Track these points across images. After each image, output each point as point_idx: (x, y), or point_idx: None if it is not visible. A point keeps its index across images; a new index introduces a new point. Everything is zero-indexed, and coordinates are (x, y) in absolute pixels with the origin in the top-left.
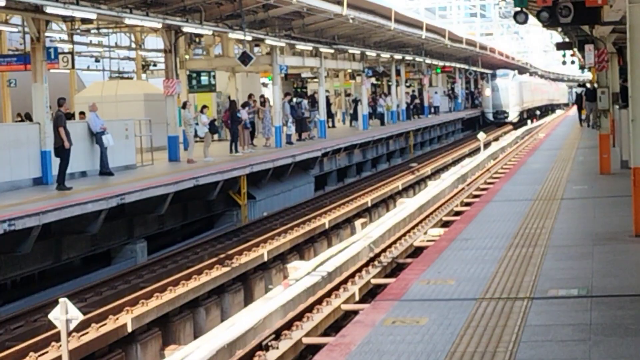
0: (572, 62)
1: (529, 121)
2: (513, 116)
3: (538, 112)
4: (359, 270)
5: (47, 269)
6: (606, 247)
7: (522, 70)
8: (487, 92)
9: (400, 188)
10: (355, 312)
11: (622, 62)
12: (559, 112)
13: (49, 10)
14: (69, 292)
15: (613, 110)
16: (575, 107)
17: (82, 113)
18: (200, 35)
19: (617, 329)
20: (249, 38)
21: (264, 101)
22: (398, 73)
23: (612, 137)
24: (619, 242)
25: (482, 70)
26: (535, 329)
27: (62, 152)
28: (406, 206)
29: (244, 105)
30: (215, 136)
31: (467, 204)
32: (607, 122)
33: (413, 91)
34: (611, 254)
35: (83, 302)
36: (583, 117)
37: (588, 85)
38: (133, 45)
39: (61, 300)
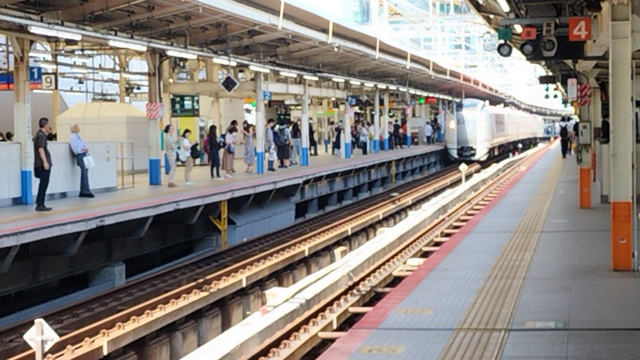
0: (555, 96)
1: (510, 154)
2: (481, 154)
3: (520, 146)
4: (338, 298)
5: (24, 289)
6: (584, 280)
7: (495, 100)
8: (452, 124)
9: (380, 217)
10: (333, 340)
11: (605, 97)
12: (533, 145)
13: (33, 30)
14: (46, 313)
15: (594, 144)
16: (557, 140)
17: None
18: (184, 60)
19: None
20: (233, 63)
21: (247, 127)
22: (381, 102)
23: (592, 172)
24: (597, 276)
25: None
26: None
27: (42, 173)
28: (386, 235)
29: (230, 131)
30: (197, 160)
31: (447, 235)
32: (588, 157)
33: (396, 121)
34: (589, 288)
35: (59, 324)
36: (572, 152)
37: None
38: (117, 68)
39: (37, 321)
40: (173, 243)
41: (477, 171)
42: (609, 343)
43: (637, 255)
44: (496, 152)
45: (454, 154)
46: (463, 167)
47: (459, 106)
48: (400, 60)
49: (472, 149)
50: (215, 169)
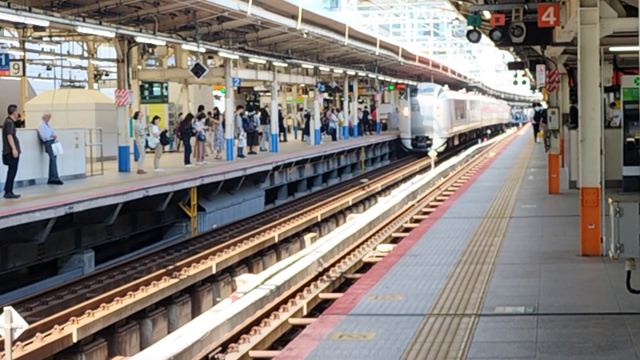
0: (524, 82)
1: (479, 140)
2: (438, 144)
3: (489, 132)
4: (308, 284)
5: None
6: (553, 265)
7: (463, 86)
8: (405, 111)
9: (350, 203)
10: (303, 326)
11: (573, 83)
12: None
13: (0, 16)
14: (15, 301)
15: (563, 130)
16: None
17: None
18: (153, 46)
19: (562, 347)
20: (202, 50)
21: (217, 114)
22: (351, 89)
23: (561, 158)
24: (565, 261)
25: None
26: (482, 345)
27: (10, 160)
28: (356, 221)
29: (200, 117)
30: (167, 147)
31: (417, 221)
32: (557, 142)
33: (365, 107)
34: (558, 273)
35: (28, 311)
36: (539, 139)
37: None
38: (85, 54)
39: (6, 308)
40: (142, 230)
41: (447, 158)
42: (578, 327)
43: (606, 241)
44: (456, 142)
45: (408, 144)
46: (432, 153)
47: (414, 91)
48: (369, 47)
49: (427, 138)
50: (187, 156)
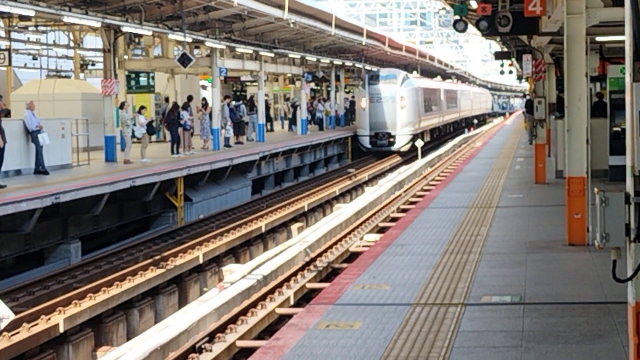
0: (510, 72)
1: (466, 130)
2: (402, 142)
3: (475, 121)
4: (295, 274)
5: None
6: (539, 255)
7: (449, 76)
8: (363, 103)
9: (337, 193)
10: (290, 316)
11: (559, 72)
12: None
13: None
14: (1, 291)
15: (549, 120)
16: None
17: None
18: (139, 36)
19: (548, 336)
20: (189, 40)
21: (204, 105)
22: (337, 78)
23: (547, 147)
24: (552, 250)
25: None
26: (468, 334)
27: None
28: (343, 211)
29: (184, 107)
30: (153, 137)
31: (404, 211)
32: (543, 132)
33: (352, 97)
34: (544, 262)
35: (15, 302)
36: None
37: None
38: (71, 44)
39: None
40: (129, 220)
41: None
42: (564, 317)
43: (592, 230)
44: (427, 139)
45: (366, 142)
46: (419, 143)
47: (373, 78)
48: (356, 37)
49: (390, 135)
50: (175, 146)
